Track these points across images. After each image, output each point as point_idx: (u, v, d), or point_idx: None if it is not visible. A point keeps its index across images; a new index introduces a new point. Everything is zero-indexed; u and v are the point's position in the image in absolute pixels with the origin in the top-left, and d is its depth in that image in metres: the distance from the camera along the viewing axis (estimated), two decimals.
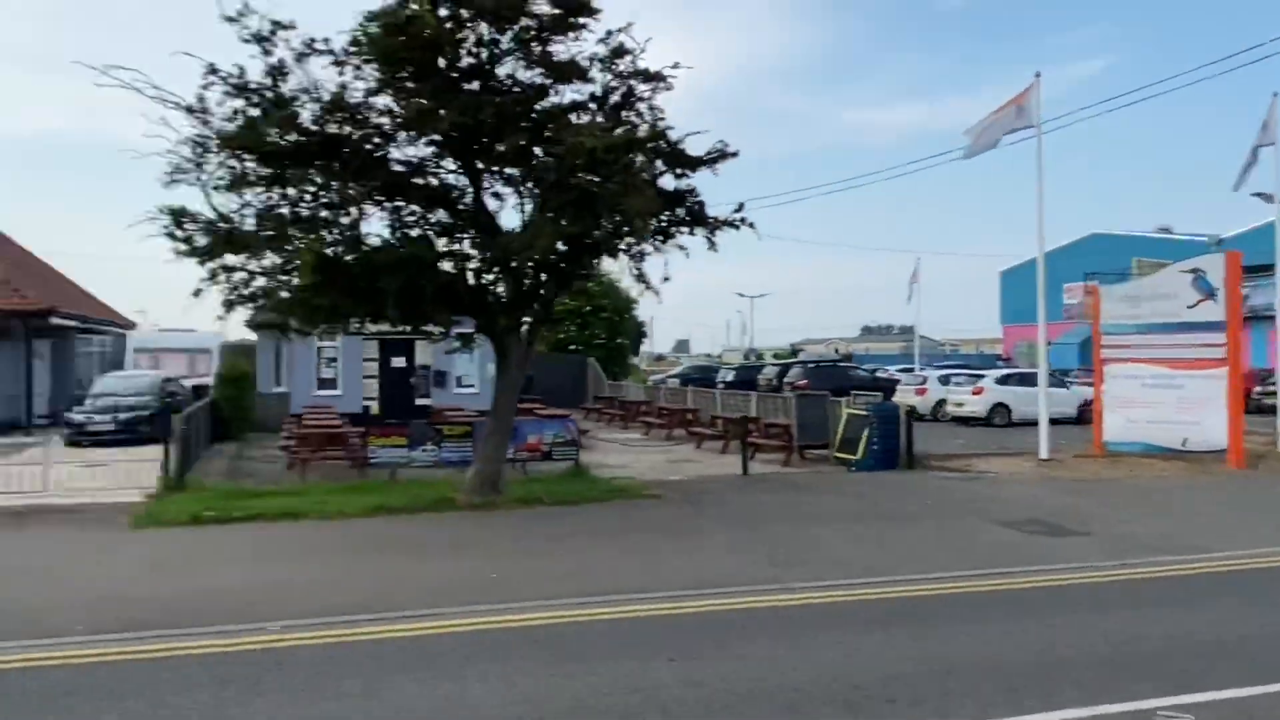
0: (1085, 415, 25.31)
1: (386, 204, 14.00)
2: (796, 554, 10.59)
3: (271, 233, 12.86)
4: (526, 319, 14.92)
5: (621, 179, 12.60)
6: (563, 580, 9.34)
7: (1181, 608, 8.38)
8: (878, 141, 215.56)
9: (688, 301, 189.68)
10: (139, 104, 13.25)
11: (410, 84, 12.90)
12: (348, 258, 13.08)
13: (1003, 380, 29.87)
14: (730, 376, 39.96)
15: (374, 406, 27.30)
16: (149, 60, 13.76)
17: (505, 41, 13.18)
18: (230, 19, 12.40)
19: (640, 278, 14.45)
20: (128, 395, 23.44)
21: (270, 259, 13.10)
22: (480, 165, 13.95)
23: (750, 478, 17.20)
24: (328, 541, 11.62)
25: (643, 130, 13.52)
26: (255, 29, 12.50)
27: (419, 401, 27.27)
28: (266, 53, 12.67)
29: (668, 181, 14.16)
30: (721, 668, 6.56)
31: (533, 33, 13.10)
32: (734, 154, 14.11)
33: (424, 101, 12.72)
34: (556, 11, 13.02)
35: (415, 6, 12.12)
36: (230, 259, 13.02)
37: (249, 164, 12.86)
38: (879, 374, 38.60)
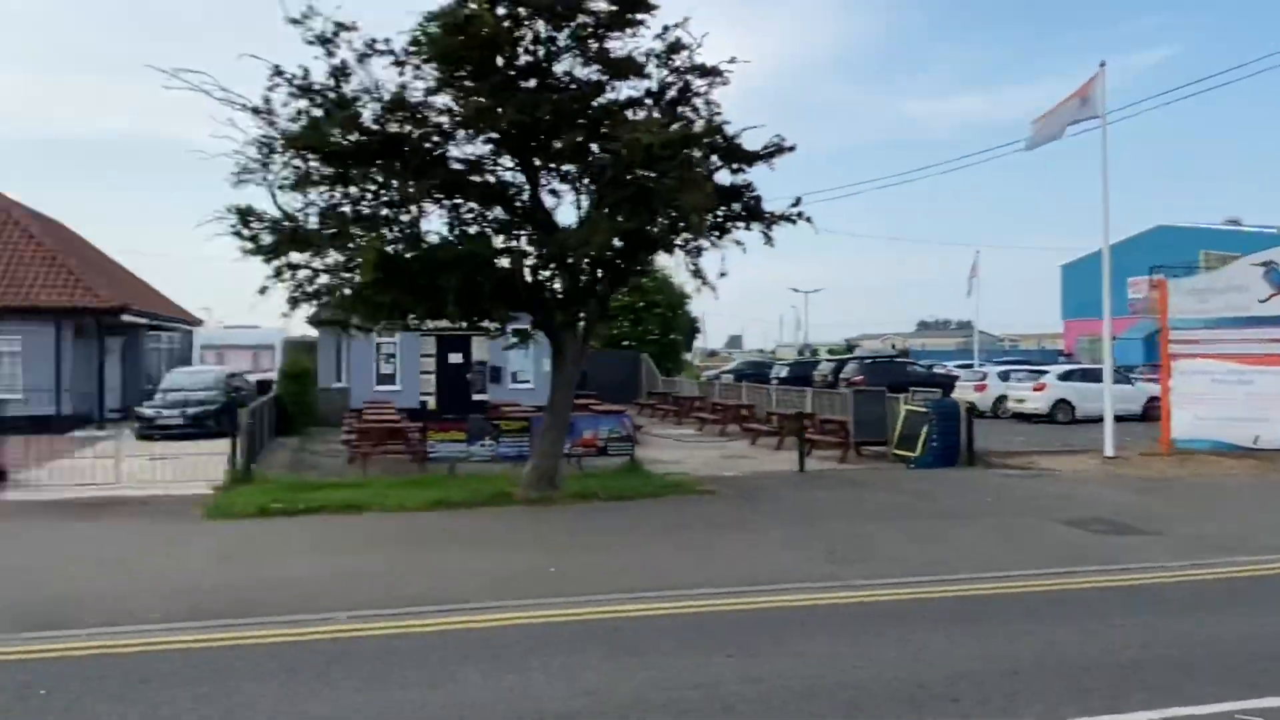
0: (1151, 412, 24.78)
1: (445, 202, 14.19)
2: (854, 551, 10.52)
3: (334, 231, 13.10)
4: (582, 315, 14.99)
5: (678, 174, 12.61)
6: (620, 575, 9.40)
7: (1254, 610, 8.17)
8: (934, 134, 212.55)
9: (741, 297, 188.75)
10: (206, 107, 13.61)
11: (469, 82, 13.05)
12: (408, 255, 13.27)
13: (1065, 376, 29.30)
14: (784, 372, 39.71)
15: (431, 402, 27.67)
16: (215, 64, 14.09)
17: (562, 39, 13.26)
18: (295, 21, 12.66)
19: (697, 273, 14.45)
20: (195, 390, 24.07)
21: (333, 257, 13.35)
22: (537, 162, 14.06)
23: (806, 474, 17.11)
24: (389, 534, 11.82)
25: (699, 125, 13.53)
26: (319, 31, 12.75)
27: (475, 397, 27.58)
28: (329, 54, 12.91)
29: (724, 176, 14.16)
30: (780, 664, 6.56)
31: (590, 29, 13.16)
32: (791, 148, 14.06)
33: (482, 100, 12.85)
34: (614, 8, 13.07)
35: (474, 6, 12.24)
36: (295, 257, 13.30)
37: (313, 163, 13.12)
38: (936, 370, 38.12)
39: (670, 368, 41.00)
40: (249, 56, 12.76)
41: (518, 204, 14.40)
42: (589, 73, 13.60)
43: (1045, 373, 30.34)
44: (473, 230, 14.26)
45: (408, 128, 13.27)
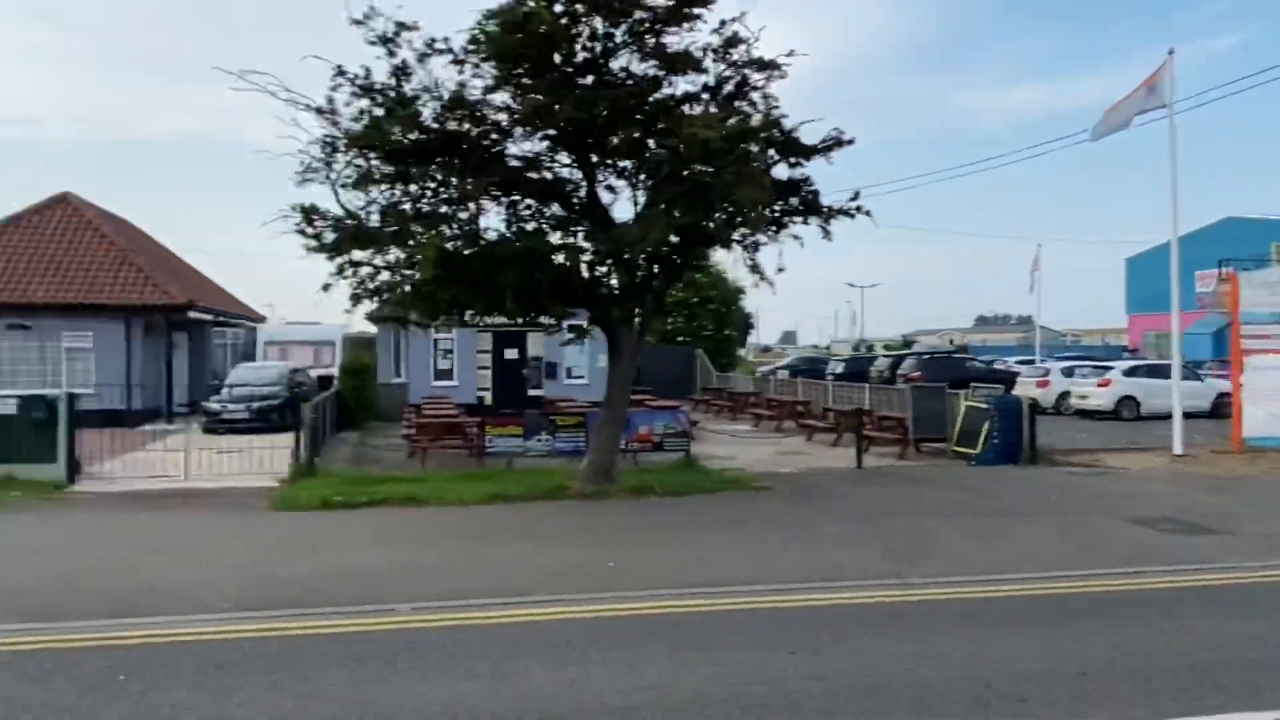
0: (1220, 409, 24.14)
1: (503, 199, 14.32)
2: (915, 548, 10.40)
3: (395, 228, 13.30)
4: (639, 310, 15.03)
5: (735, 169, 12.57)
6: (678, 570, 9.41)
7: None
8: (992, 126, 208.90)
9: (794, 293, 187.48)
10: (271, 107, 13.88)
11: (527, 80, 13.14)
12: (466, 252, 13.42)
13: (1131, 372, 28.63)
14: (840, 368, 39.42)
15: (488, 397, 27.97)
16: (280, 65, 14.38)
17: (619, 35, 13.28)
18: (357, 21, 12.85)
19: (754, 269, 14.41)
20: (260, 385, 24.62)
21: (394, 254, 13.56)
22: (594, 158, 14.11)
23: (864, 471, 16.96)
24: (449, 527, 11.97)
25: (756, 120, 13.48)
26: (380, 31, 12.93)
27: (531, 392, 27.82)
28: (391, 54, 13.09)
29: (781, 171, 14.11)
30: (843, 662, 6.52)
31: (647, 25, 13.17)
32: (850, 141, 13.95)
33: (540, 97, 12.94)
34: (670, 3, 13.06)
35: (532, 3, 12.31)
36: (357, 254, 13.53)
37: (374, 162, 13.33)
38: (996, 366, 37.48)
39: (724, 363, 40.91)
40: (313, 57, 13.00)
41: (574, 200, 14.48)
42: (646, 68, 13.61)
43: (1110, 368, 29.68)
44: (530, 227, 14.38)
45: (466, 126, 13.41)
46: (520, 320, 15.62)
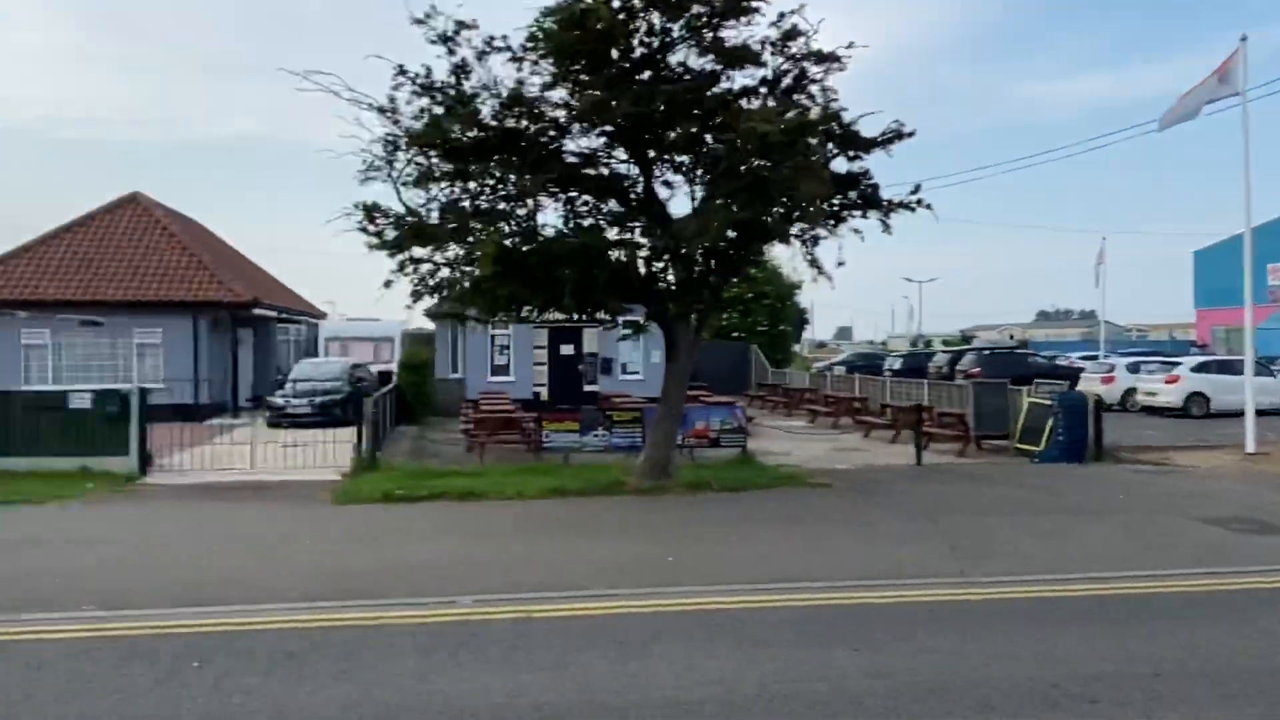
0: None
1: (561, 195, 14.40)
2: (977, 546, 10.25)
3: (454, 225, 13.44)
4: (696, 306, 15.00)
5: (794, 163, 12.48)
6: (736, 565, 9.39)
7: None
8: (1054, 118, 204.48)
9: (849, 288, 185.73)
10: (334, 107, 14.11)
11: (584, 76, 13.18)
12: (525, 248, 13.51)
13: (1199, 368, 27.82)
14: (898, 364, 38.95)
15: (544, 393, 28.16)
16: (341, 65, 14.60)
17: (677, 29, 13.26)
18: (419, 21, 13.00)
19: (813, 263, 14.30)
20: (322, 380, 25.08)
21: (454, 250, 13.70)
22: (651, 154, 14.11)
23: (924, 468, 16.75)
24: (508, 521, 12.08)
25: (815, 113, 13.34)
26: (441, 29, 13.06)
27: (587, 388, 27.95)
28: (450, 52, 13.22)
29: (840, 164, 13.98)
30: (906, 660, 6.45)
31: (704, 19, 13.12)
32: (910, 134, 13.78)
33: (597, 93, 12.97)
34: None
35: (590, 0, 12.35)
36: (417, 251, 13.70)
37: (434, 160, 13.49)
38: (1059, 361, 36.73)
39: (779, 359, 40.67)
40: (375, 57, 13.19)
41: (632, 196, 14.50)
42: (703, 63, 13.57)
43: (1178, 364, 28.90)
44: (588, 223, 14.43)
45: (525, 123, 13.49)
46: (576, 316, 15.70)
